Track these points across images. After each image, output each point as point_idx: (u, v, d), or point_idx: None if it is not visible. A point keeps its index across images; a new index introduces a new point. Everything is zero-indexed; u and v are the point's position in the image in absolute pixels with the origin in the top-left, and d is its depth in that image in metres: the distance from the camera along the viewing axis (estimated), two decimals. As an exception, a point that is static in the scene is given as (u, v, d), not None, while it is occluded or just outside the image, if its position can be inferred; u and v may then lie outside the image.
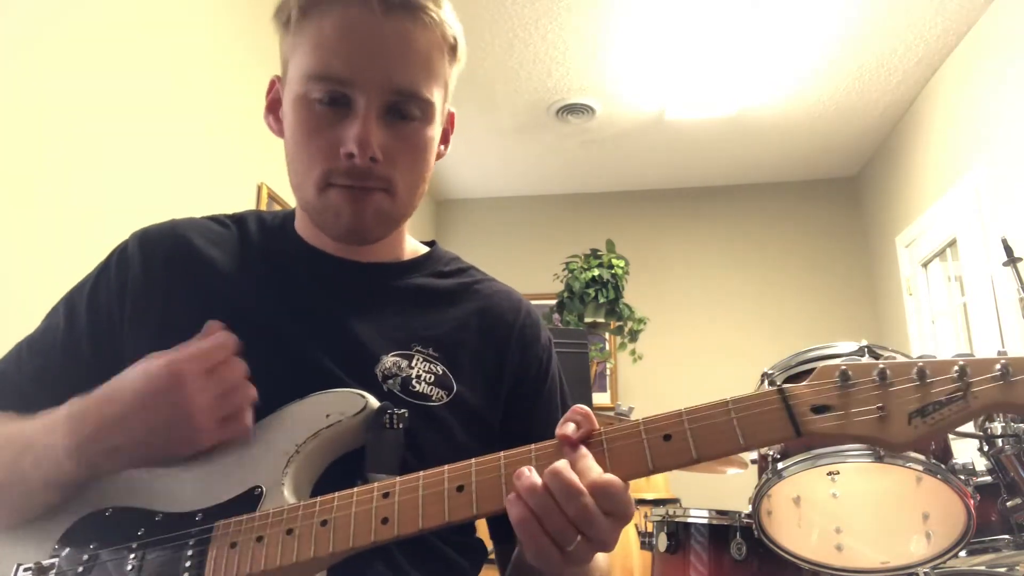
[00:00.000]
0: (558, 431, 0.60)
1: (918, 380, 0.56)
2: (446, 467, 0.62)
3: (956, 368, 0.55)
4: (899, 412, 0.56)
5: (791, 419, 0.58)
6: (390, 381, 0.76)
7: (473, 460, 0.62)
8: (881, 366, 0.57)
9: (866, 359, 1.28)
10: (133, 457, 0.68)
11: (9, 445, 0.71)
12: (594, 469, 0.57)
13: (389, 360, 0.77)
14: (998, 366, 0.54)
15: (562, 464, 0.57)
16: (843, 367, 0.58)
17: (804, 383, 0.59)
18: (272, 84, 0.83)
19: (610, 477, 0.57)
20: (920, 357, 0.58)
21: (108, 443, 0.66)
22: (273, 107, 0.83)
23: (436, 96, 0.77)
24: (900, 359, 0.59)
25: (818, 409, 0.58)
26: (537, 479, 0.57)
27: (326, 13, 0.73)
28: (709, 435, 0.59)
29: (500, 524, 0.84)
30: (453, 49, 0.79)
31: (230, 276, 0.80)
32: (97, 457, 0.67)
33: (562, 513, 0.56)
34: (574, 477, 0.56)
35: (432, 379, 0.78)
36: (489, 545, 0.86)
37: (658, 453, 0.59)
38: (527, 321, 0.88)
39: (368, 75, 0.72)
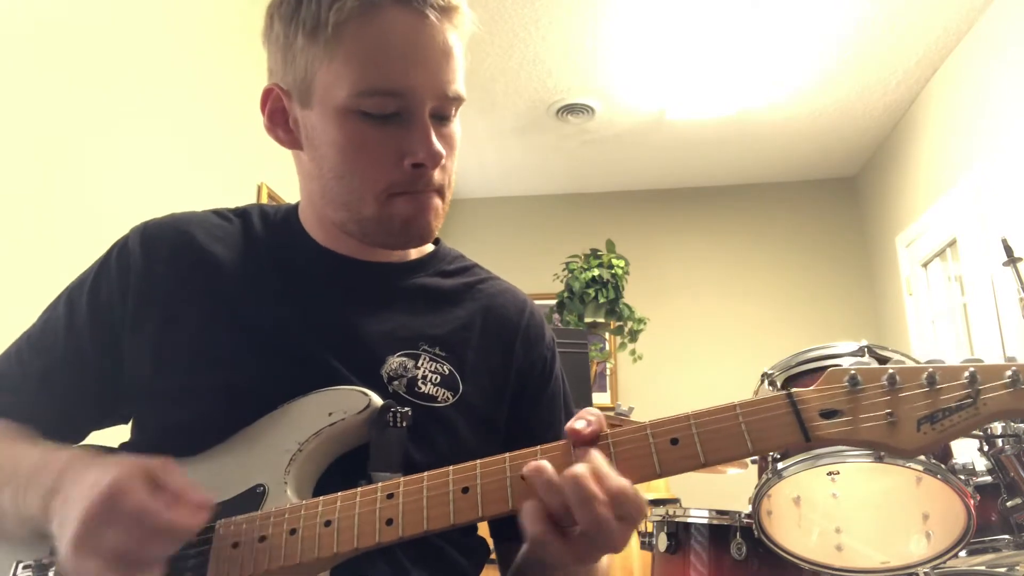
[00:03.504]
0: (569, 427, 0.60)
1: (928, 386, 0.55)
2: (451, 468, 0.62)
3: (966, 374, 0.55)
4: (908, 418, 0.55)
5: (800, 424, 0.57)
6: (396, 382, 0.76)
7: (478, 461, 0.62)
8: (891, 371, 0.56)
9: (867, 359, 1.28)
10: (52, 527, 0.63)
11: None
12: (611, 476, 0.57)
13: (395, 361, 0.77)
14: (1008, 373, 0.54)
15: (581, 468, 0.56)
16: (852, 371, 0.57)
17: (813, 387, 0.58)
18: (270, 93, 0.78)
19: (624, 483, 0.56)
20: (929, 362, 0.57)
21: (54, 506, 0.62)
22: (278, 118, 0.79)
23: (464, 89, 0.77)
24: (909, 364, 0.58)
25: (827, 414, 0.57)
26: (555, 477, 0.57)
27: (366, 21, 0.69)
28: (717, 439, 0.58)
29: (502, 523, 0.84)
30: (467, 35, 0.78)
31: (234, 272, 0.80)
32: (48, 513, 0.63)
33: (570, 514, 0.56)
34: (593, 485, 0.55)
35: (438, 379, 0.78)
36: (491, 543, 0.86)
37: (666, 457, 0.59)
38: (531, 321, 0.88)
39: (421, 85, 0.71)
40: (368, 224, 0.77)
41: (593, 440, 0.60)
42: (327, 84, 0.72)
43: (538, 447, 0.61)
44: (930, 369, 0.56)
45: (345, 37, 0.70)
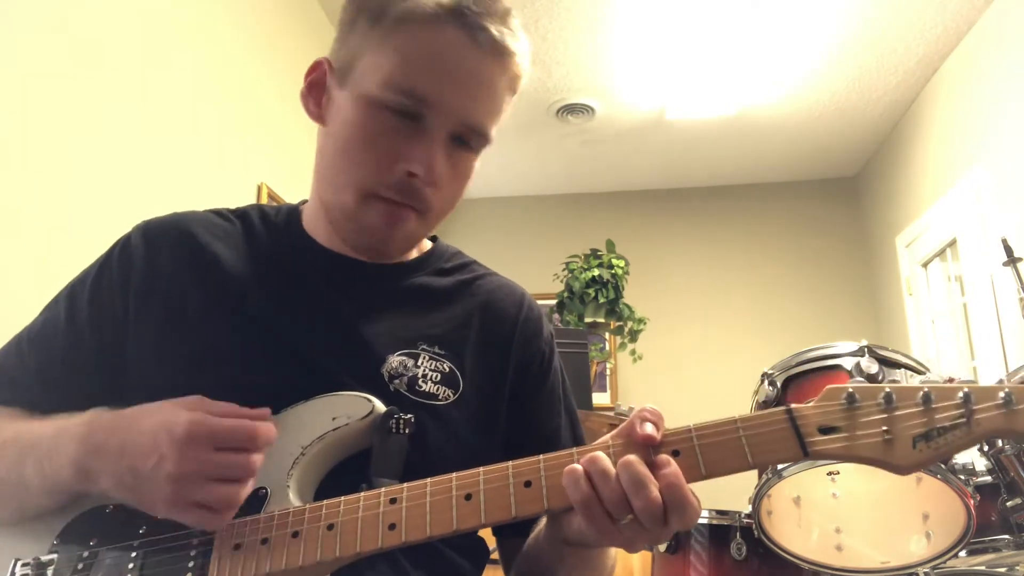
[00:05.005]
0: (639, 431, 0.60)
1: (923, 405, 0.57)
2: (454, 475, 0.63)
3: (961, 395, 0.56)
4: (904, 436, 0.57)
5: (798, 439, 0.58)
6: (396, 381, 0.76)
7: (481, 469, 0.62)
8: (887, 389, 0.58)
9: (867, 359, 1.28)
10: (112, 489, 0.65)
11: (14, 444, 0.71)
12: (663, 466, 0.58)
13: (395, 360, 0.77)
14: (1001, 394, 0.55)
15: (633, 456, 0.58)
16: (850, 389, 0.59)
17: (812, 403, 0.60)
18: (317, 65, 0.80)
19: (676, 470, 0.58)
20: (924, 382, 0.58)
21: (101, 466, 0.65)
22: (315, 90, 0.81)
23: (493, 134, 0.79)
24: (907, 383, 0.59)
25: (825, 430, 0.58)
26: (610, 466, 0.58)
27: (425, 27, 0.71)
28: (718, 452, 0.59)
29: None
30: (514, 94, 0.81)
31: (234, 270, 0.80)
32: (92, 474, 0.66)
33: (627, 503, 0.57)
34: (647, 469, 0.57)
35: (438, 377, 0.78)
36: (491, 544, 0.86)
37: None
38: (529, 315, 0.89)
39: (449, 103, 0.72)
40: (341, 216, 0.78)
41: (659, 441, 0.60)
42: (366, 69, 0.74)
43: (540, 456, 0.62)
44: (925, 389, 0.57)
45: (400, 33, 0.72)
